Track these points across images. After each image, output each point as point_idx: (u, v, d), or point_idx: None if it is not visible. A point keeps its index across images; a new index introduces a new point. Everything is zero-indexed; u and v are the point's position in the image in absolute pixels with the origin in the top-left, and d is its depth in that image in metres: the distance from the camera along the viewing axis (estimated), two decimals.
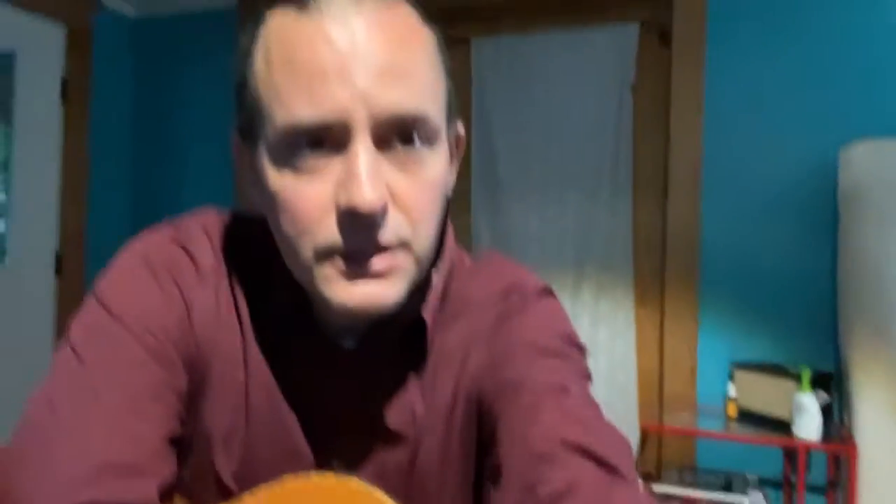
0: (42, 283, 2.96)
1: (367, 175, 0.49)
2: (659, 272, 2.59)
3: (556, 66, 2.68)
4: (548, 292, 0.68)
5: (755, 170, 2.38)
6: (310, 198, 0.51)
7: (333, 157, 0.51)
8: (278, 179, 0.53)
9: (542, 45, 2.70)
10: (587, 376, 0.63)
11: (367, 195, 0.49)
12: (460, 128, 0.63)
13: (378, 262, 0.52)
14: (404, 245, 0.53)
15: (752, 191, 2.38)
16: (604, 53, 2.62)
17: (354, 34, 0.50)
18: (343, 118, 0.50)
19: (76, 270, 3.06)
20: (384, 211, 0.51)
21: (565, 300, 2.57)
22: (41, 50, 2.92)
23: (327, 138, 0.51)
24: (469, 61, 2.79)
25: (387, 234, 0.52)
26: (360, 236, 0.51)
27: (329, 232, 0.51)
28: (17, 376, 2.77)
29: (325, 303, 0.54)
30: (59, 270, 3.00)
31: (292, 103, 0.50)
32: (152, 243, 0.63)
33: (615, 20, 2.64)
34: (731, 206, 2.40)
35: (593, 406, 0.57)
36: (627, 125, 2.60)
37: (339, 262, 0.52)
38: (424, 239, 0.55)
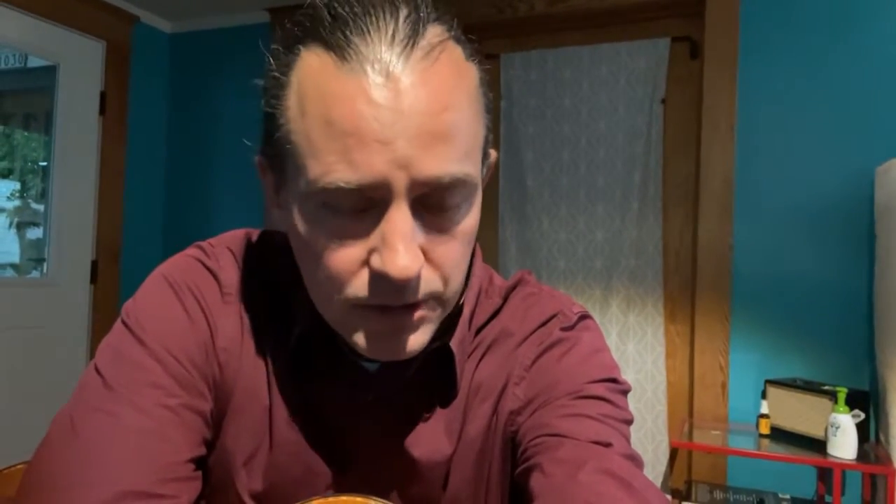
0: (78, 292, 3.02)
1: (403, 243, 0.48)
2: (689, 286, 2.56)
3: (585, 79, 2.68)
4: (586, 320, 0.67)
5: (788, 184, 2.34)
6: (342, 258, 0.51)
7: (368, 219, 0.50)
8: (310, 231, 0.52)
9: (571, 58, 2.70)
10: (628, 421, 0.61)
11: (402, 263, 0.48)
12: (493, 154, 0.62)
13: (407, 318, 0.52)
14: (434, 299, 0.53)
15: (785, 206, 2.34)
16: (634, 67, 2.62)
17: (398, 95, 0.47)
18: (382, 184, 0.48)
19: (111, 279, 3.13)
20: (418, 275, 0.50)
21: (594, 313, 2.56)
22: (81, 64, 3.00)
23: (364, 201, 0.49)
24: (498, 75, 2.80)
25: (418, 293, 0.51)
26: (391, 296, 0.51)
27: (360, 288, 0.51)
28: (53, 383, 2.83)
29: (354, 347, 0.55)
30: (94, 279, 3.07)
31: (329, 164, 0.48)
32: (179, 267, 0.63)
33: (646, 34, 2.64)
34: (764, 221, 2.37)
35: (633, 460, 0.55)
36: (658, 138, 2.59)
37: (369, 314, 0.52)
38: (454, 287, 0.55)
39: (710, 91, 2.45)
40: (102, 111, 3.08)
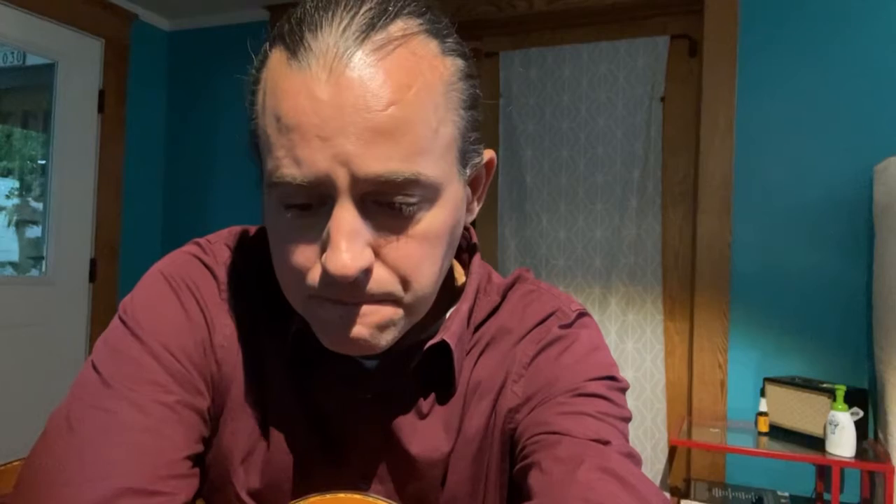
0: (77, 290, 3.02)
1: (344, 241, 0.48)
2: (688, 284, 2.56)
3: (584, 77, 2.68)
4: (584, 317, 0.66)
5: (787, 182, 2.34)
6: (300, 252, 0.51)
7: (321, 215, 0.50)
8: (273, 224, 0.53)
9: (570, 56, 2.70)
10: (627, 419, 0.61)
11: (341, 262, 0.47)
12: (488, 153, 0.61)
13: (357, 314, 0.51)
14: (391, 300, 0.52)
15: (784, 203, 2.34)
16: (634, 65, 2.62)
17: (340, 90, 0.47)
18: (325, 181, 0.48)
19: (110, 277, 3.13)
20: (366, 273, 0.50)
21: (593, 311, 2.56)
22: (79, 61, 3.00)
23: (314, 197, 0.50)
24: (497, 73, 2.80)
25: (371, 289, 0.51)
26: (339, 292, 0.51)
27: (315, 280, 0.51)
28: (52, 381, 2.83)
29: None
30: (93, 277, 3.07)
31: (279, 160, 0.49)
32: (176, 263, 0.63)
33: (645, 32, 2.64)
34: (763, 219, 2.37)
35: (631, 458, 0.55)
36: (657, 136, 2.59)
37: (323, 303, 0.52)
38: (418, 290, 0.53)
39: (709, 89, 2.45)
40: (101, 109, 3.08)
